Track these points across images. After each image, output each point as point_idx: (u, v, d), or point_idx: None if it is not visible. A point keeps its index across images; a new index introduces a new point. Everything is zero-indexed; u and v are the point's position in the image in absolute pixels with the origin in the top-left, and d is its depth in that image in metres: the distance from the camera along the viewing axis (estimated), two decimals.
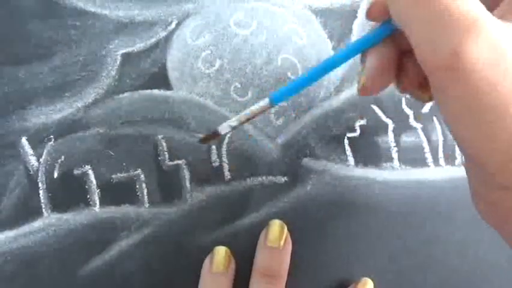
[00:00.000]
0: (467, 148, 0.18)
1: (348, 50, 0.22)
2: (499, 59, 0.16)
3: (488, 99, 0.16)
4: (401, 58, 0.22)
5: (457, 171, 0.31)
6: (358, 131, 0.30)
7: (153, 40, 0.29)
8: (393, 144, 0.30)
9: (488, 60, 0.16)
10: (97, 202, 0.28)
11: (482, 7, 0.17)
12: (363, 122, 0.30)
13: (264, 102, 0.24)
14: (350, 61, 0.32)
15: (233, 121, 0.25)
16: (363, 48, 0.22)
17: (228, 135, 0.29)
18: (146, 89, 0.29)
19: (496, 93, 0.16)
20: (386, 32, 0.21)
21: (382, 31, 0.21)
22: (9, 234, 0.27)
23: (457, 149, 0.31)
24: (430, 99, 0.23)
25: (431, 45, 0.17)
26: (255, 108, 0.24)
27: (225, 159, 0.29)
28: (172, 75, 0.29)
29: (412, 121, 0.31)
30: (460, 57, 0.16)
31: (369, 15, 0.21)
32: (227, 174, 0.29)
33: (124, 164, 0.28)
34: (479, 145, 0.17)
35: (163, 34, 0.29)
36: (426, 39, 0.17)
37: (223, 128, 0.25)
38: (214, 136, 0.26)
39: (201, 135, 0.27)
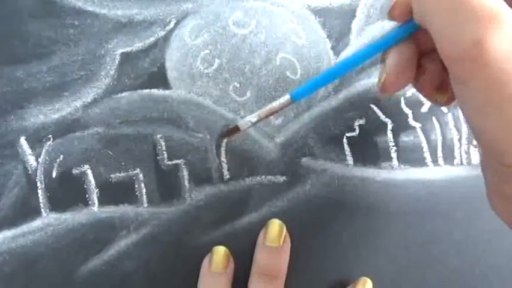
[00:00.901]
0: (486, 139, 0.18)
1: (370, 48, 0.22)
2: None
3: (509, 90, 0.16)
4: (420, 59, 0.22)
5: (456, 171, 0.31)
6: (357, 131, 0.30)
7: (152, 39, 0.29)
8: (392, 143, 0.30)
9: (509, 52, 0.16)
10: (96, 202, 0.28)
11: (504, 3, 0.17)
12: (362, 121, 0.30)
13: (285, 98, 0.24)
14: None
15: (253, 117, 0.25)
16: (384, 47, 0.22)
17: None
18: (145, 88, 0.29)
19: None
20: (407, 31, 0.21)
21: (404, 30, 0.21)
22: (8, 233, 0.27)
23: (455, 148, 0.31)
24: (447, 102, 0.23)
25: (453, 36, 0.17)
26: (276, 104, 0.24)
27: (223, 158, 0.29)
28: (171, 74, 0.29)
29: (411, 121, 0.31)
30: (482, 47, 0.16)
31: (392, 15, 0.21)
32: (226, 174, 0.29)
33: (123, 163, 0.28)
34: (498, 136, 0.17)
35: (161, 33, 0.29)
36: (448, 31, 0.17)
37: (244, 124, 0.25)
38: (234, 131, 0.26)
39: (222, 131, 0.28)
